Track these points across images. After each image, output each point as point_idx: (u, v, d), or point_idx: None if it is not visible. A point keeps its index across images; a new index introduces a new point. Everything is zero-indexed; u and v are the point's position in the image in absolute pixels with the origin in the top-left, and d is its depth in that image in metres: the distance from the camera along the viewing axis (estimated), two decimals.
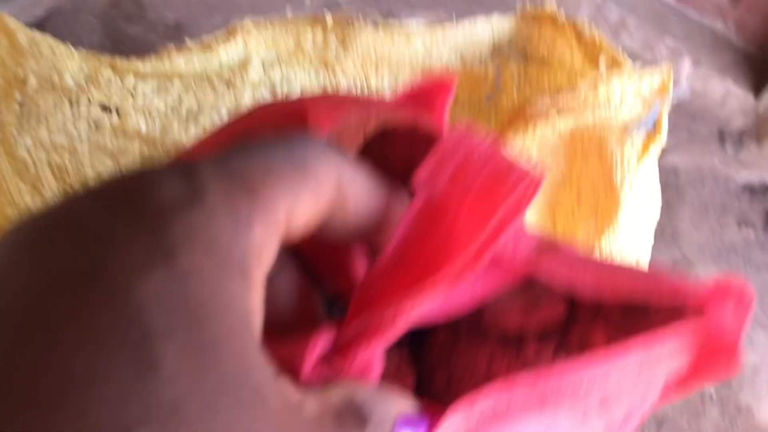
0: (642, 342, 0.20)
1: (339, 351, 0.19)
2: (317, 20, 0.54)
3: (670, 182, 0.91)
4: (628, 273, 0.23)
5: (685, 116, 0.93)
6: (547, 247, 0.24)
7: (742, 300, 0.22)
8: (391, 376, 0.21)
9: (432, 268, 0.20)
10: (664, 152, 0.99)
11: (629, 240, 0.42)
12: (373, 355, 0.19)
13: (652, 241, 0.46)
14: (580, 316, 0.23)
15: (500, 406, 0.19)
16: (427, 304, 0.19)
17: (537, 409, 0.19)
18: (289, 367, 0.18)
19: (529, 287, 0.24)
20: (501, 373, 0.22)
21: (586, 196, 0.40)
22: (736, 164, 0.90)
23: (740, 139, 0.92)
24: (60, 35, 0.53)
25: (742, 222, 0.88)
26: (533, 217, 0.44)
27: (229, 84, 0.51)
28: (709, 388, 0.82)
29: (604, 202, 0.38)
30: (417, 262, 0.20)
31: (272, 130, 0.23)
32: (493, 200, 0.20)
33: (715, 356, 0.21)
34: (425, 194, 0.21)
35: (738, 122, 0.93)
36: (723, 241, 0.87)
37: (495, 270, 0.22)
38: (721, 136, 0.92)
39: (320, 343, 0.19)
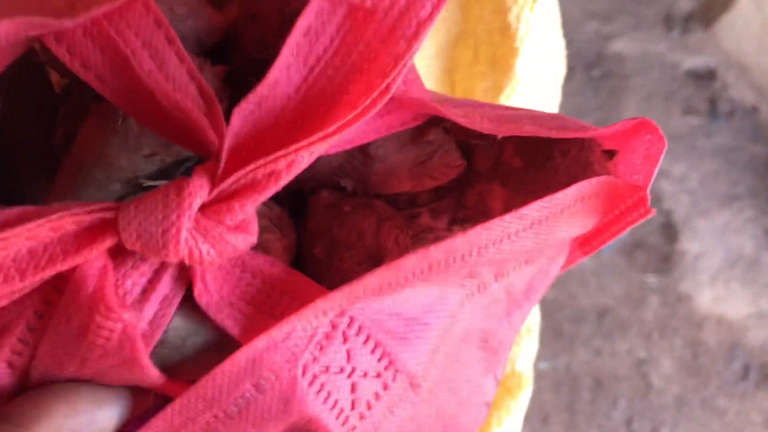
0: (539, 203, 0.18)
1: (220, 202, 0.16)
2: None
3: (615, 70, 0.88)
4: (533, 112, 0.21)
5: (630, 0, 0.89)
6: (443, 99, 0.21)
7: (655, 138, 0.20)
8: (268, 232, 0.19)
9: (326, 107, 0.17)
10: (609, 39, 0.97)
11: (532, 98, 0.38)
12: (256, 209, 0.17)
13: (559, 100, 0.42)
14: (477, 172, 0.21)
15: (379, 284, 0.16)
16: (324, 148, 0.16)
17: (423, 281, 0.17)
18: (166, 222, 0.15)
19: (420, 139, 0.21)
20: (389, 242, 0.19)
21: (484, 47, 0.37)
22: (683, 50, 0.87)
23: (687, 23, 0.89)
24: None
25: (687, 109, 0.86)
26: (429, 85, 0.40)
27: None
28: (651, 277, 0.83)
29: (501, 51, 0.35)
30: (309, 103, 0.17)
31: None
32: (394, 27, 0.17)
33: (624, 200, 0.19)
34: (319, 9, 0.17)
35: (684, 5, 0.89)
36: (668, 129, 0.85)
37: (386, 105, 0.18)
38: (668, 21, 0.89)
39: (197, 193, 0.16)
